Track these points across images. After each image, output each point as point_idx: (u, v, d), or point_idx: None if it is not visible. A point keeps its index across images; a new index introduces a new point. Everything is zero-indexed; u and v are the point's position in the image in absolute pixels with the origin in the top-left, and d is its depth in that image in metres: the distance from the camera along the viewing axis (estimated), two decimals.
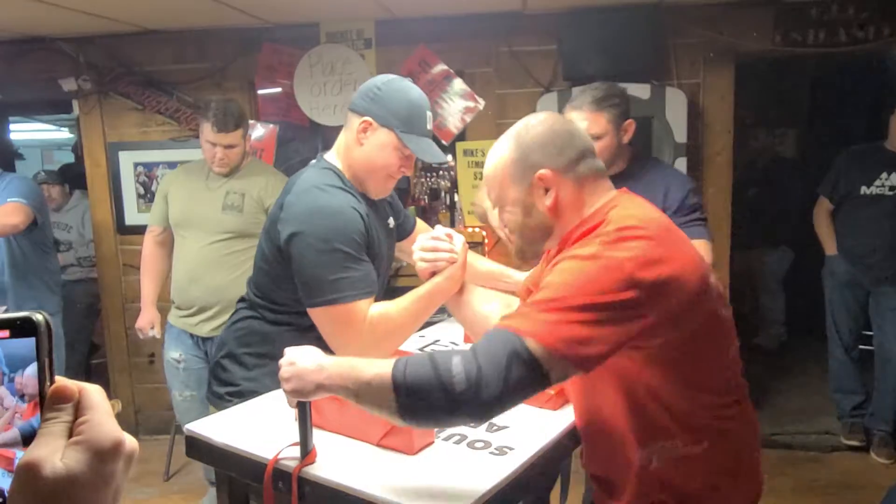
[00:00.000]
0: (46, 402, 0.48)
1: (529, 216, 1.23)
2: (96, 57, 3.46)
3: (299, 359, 1.14)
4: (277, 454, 1.22)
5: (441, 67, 3.34)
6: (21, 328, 0.48)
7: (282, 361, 1.16)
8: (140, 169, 3.58)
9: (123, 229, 3.63)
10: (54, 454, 0.45)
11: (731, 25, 3.15)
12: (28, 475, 0.44)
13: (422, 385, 1.01)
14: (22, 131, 6.59)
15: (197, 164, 2.82)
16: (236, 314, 1.74)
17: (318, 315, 1.49)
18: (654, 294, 1.05)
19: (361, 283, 1.48)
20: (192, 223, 2.66)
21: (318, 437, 1.24)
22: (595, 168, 1.23)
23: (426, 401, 1.02)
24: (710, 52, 3.19)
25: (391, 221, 1.75)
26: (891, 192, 3.07)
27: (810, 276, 3.65)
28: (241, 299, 1.74)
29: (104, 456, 0.47)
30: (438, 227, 1.59)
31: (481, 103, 3.35)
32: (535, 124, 1.25)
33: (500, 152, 1.26)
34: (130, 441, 0.49)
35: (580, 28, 3.10)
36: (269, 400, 1.54)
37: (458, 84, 3.35)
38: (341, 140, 1.63)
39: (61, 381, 0.49)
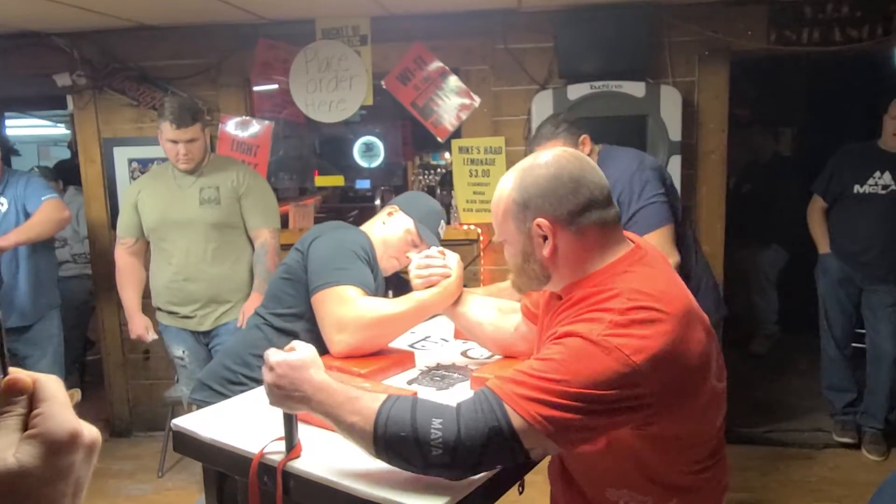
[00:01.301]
0: (0, 395, 0.47)
1: (527, 262, 1.19)
2: (91, 52, 3.46)
3: (287, 384, 1.12)
4: (263, 449, 1.23)
5: (437, 65, 3.34)
6: None
7: (265, 377, 1.15)
8: (135, 165, 3.58)
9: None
10: (7, 449, 0.44)
11: (726, 24, 3.16)
12: None
13: (399, 443, 1.03)
14: (17, 127, 6.57)
15: (160, 169, 2.86)
16: (248, 327, 1.88)
17: (316, 301, 1.63)
18: (659, 387, 1.02)
19: (359, 278, 1.63)
20: (172, 225, 2.69)
21: (304, 432, 1.25)
22: (604, 220, 1.15)
23: (402, 457, 1.05)
24: (705, 50, 3.20)
25: (390, 293, 2.01)
26: (883, 191, 3.08)
27: (804, 274, 3.65)
28: (254, 315, 1.88)
29: (59, 448, 0.45)
30: (433, 248, 1.71)
31: (477, 100, 3.35)
32: (541, 165, 1.17)
33: (504, 186, 1.21)
34: (90, 431, 0.48)
35: (576, 26, 3.11)
36: (255, 395, 1.55)
37: (454, 81, 3.35)
38: (369, 222, 1.95)
39: (15, 372, 0.48)
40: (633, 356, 0.99)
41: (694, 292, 2.39)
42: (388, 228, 1.88)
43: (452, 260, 1.66)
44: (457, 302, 1.65)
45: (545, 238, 1.15)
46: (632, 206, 2.14)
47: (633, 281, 1.10)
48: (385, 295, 1.93)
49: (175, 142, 2.60)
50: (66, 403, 0.48)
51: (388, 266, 1.89)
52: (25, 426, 0.46)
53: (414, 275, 1.65)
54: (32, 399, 0.47)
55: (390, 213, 1.91)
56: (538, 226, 1.15)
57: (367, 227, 1.91)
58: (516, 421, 1.00)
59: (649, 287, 1.08)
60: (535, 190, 1.15)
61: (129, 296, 2.85)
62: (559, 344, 1.06)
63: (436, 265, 1.64)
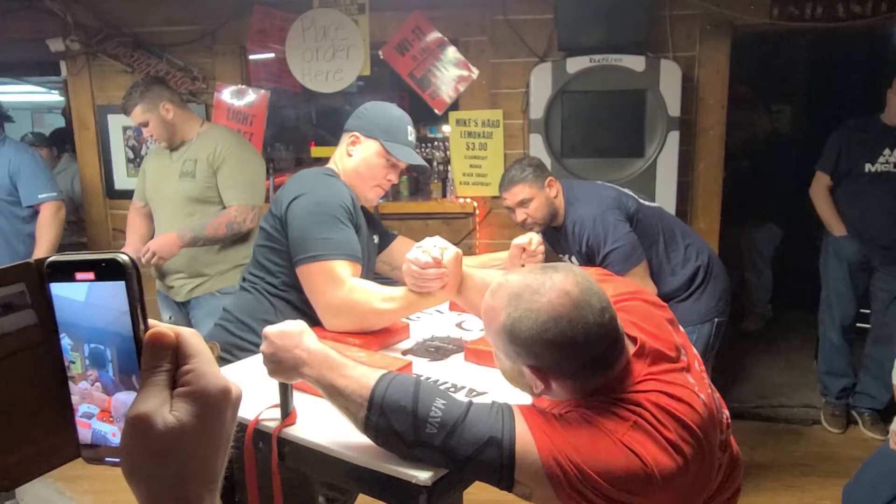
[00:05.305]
0: (144, 349, 0.46)
1: (517, 382, 1.13)
2: (84, 17, 3.40)
3: (279, 349, 1.14)
4: (258, 415, 1.24)
5: (435, 35, 3.30)
6: (107, 271, 0.45)
7: (262, 348, 1.17)
8: (129, 133, 3.55)
9: (113, 193, 3.61)
10: (163, 406, 0.44)
11: None
12: (140, 428, 0.43)
13: (397, 411, 1.02)
14: (11, 93, 6.48)
15: None
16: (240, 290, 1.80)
17: (303, 273, 1.59)
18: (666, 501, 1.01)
19: (345, 246, 1.58)
20: (159, 195, 2.73)
21: (299, 399, 1.26)
22: (606, 367, 1.06)
23: (392, 428, 1.03)
24: (706, 24, 3.16)
25: (375, 238, 1.90)
26: None
27: (798, 252, 3.65)
28: (243, 279, 1.81)
29: (213, 405, 0.45)
30: (428, 240, 1.51)
31: (475, 72, 3.32)
32: (536, 321, 1.03)
33: (495, 307, 1.09)
34: (235, 387, 0.48)
35: None
36: (251, 362, 1.56)
37: (452, 52, 3.31)
38: (334, 156, 1.80)
39: (156, 325, 0.46)
40: (656, 476, 0.97)
41: (699, 288, 2.40)
42: (357, 158, 1.74)
43: (449, 253, 1.48)
44: (460, 289, 1.55)
45: (536, 379, 1.07)
46: (602, 250, 2.28)
47: (653, 396, 1.04)
48: (370, 241, 1.83)
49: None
50: (212, 359, 0.48)
51: (372, 196, 1.78)
52: (173, 382, 0.45)
53: (409, 282, 1.53)
54: (178, 355, 0.46)
55: (353, 142, 1.76)
56: (531, 373, 1.07)
57: (334, 163, 1.78)
58: (523, 443, 0.98)
59: (689, 410, 1.03)
60: (528, 346, 1.05)
61: (131, 239, 2.83)
62: (585, 419, 1.02)
63: (430, 276, 1.48)
